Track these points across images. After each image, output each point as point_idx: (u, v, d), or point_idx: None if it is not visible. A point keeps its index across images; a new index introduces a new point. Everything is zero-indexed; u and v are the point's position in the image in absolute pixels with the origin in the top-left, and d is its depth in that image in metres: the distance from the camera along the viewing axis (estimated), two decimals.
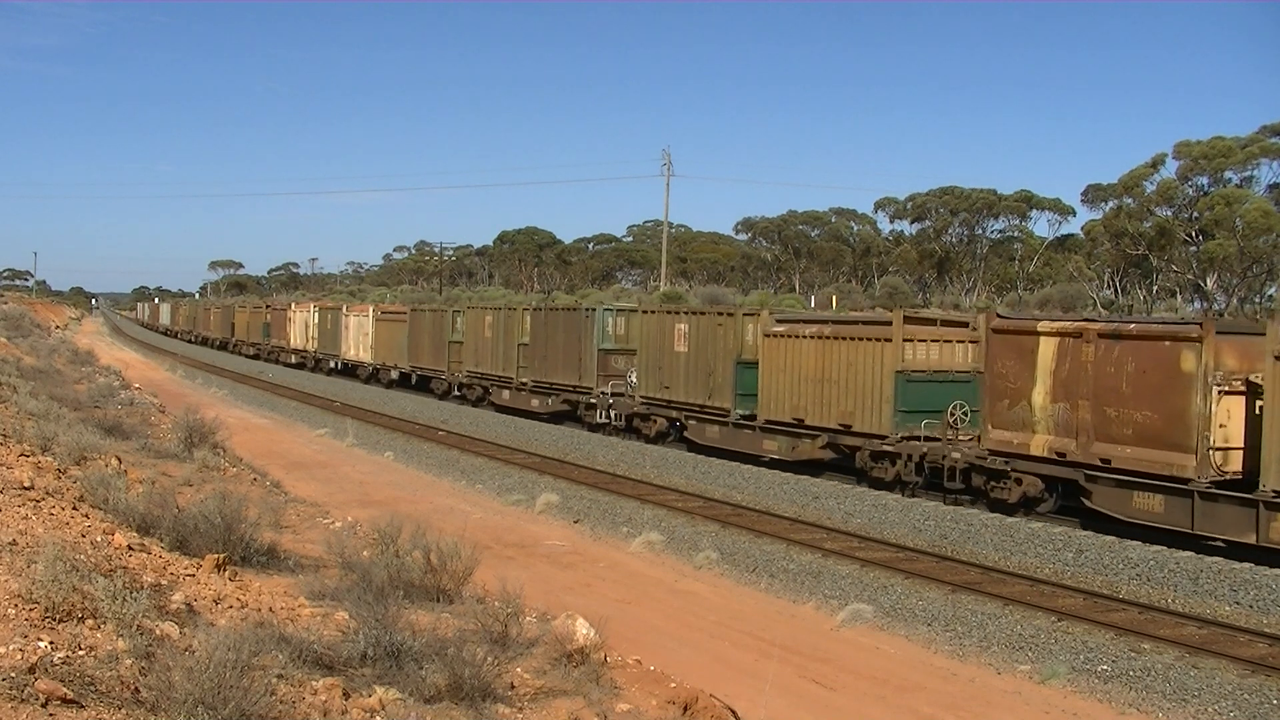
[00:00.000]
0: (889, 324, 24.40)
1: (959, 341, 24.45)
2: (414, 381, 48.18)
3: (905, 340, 23.75)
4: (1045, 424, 20.50)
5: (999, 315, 22.99)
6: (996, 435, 21.27)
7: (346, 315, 56.65)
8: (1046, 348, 20.57)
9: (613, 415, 32.45)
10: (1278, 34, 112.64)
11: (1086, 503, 20.03)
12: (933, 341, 24.15)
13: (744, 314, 29.29)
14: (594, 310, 35.08)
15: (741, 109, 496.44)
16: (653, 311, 33.10)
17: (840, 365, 24.73)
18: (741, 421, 27.88)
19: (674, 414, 30.46)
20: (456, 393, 43.78)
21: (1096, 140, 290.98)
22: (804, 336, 25.94)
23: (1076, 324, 20.92)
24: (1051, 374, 20.41)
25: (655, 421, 31.12)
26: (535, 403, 37.42)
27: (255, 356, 73.05)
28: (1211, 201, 55.22)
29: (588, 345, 34.55)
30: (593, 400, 33.65)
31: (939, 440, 22.59)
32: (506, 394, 39.71)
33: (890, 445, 23.35)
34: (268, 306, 77.77)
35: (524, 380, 38.54)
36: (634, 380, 32.00)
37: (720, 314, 30.03)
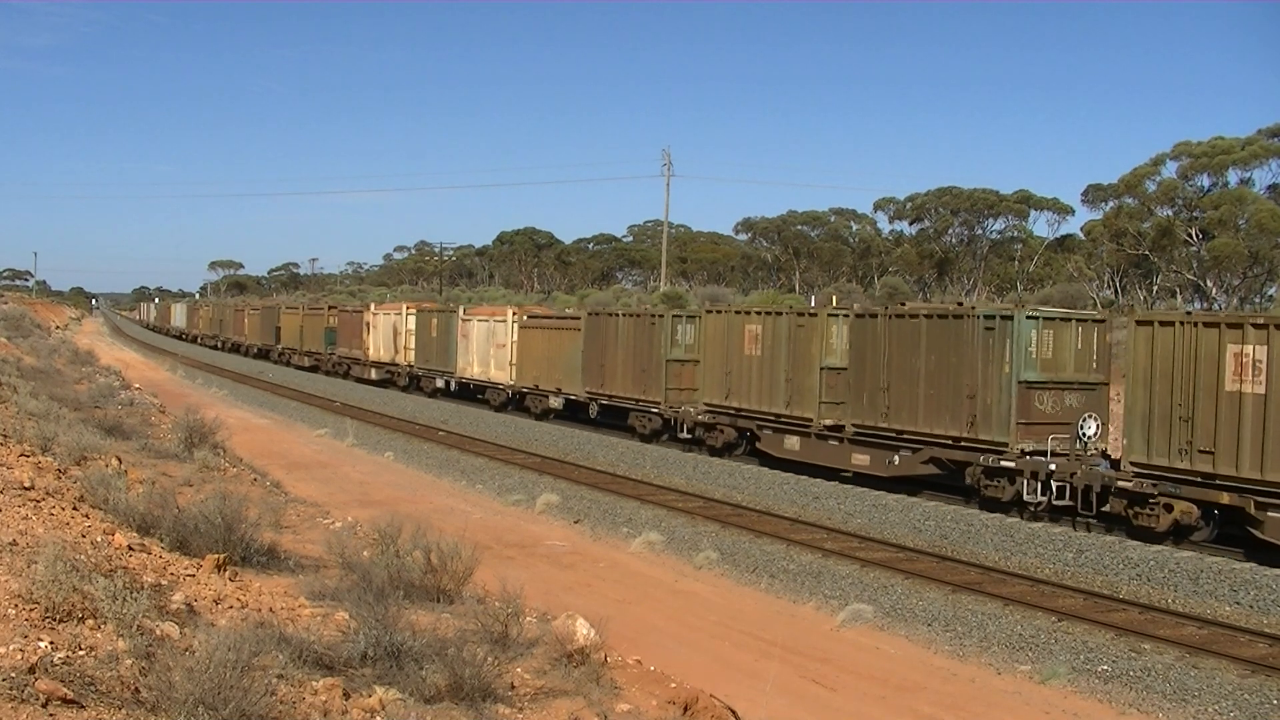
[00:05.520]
0: None
1: None
2: (593, 414, 35.13)
3: None
4: None
5: None
6: None
7: (466, 320, 44.29)
8: None
9: (1054, 488, 20.44)
10: (1278, 34, 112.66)
11: None
12: None
13: None
14: (1006, 318, 21.93)
15: (741, 109, 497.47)
16: (1163, 323, 19.47)
17: None
18: None
19: (1221, 497, 18.17)
20: (684, 434, 30.32)
21: (1096, 140, 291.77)
22: None
23: None
24: None
25: (1170, 508, 18.70)
26: (862, 459, 24.79)
27: (314, 369, 61.90)
28: (1217, 200, 55.21)
29: (993, 375, 21.79)
30: (1005, 463, 21.34)
31: None
32: (794, 442, 26.70)
33: None
34: (331, 308, 64.40)
35: (830, 423, 25.73)
36: (1091, 433, 21.17)
37: None
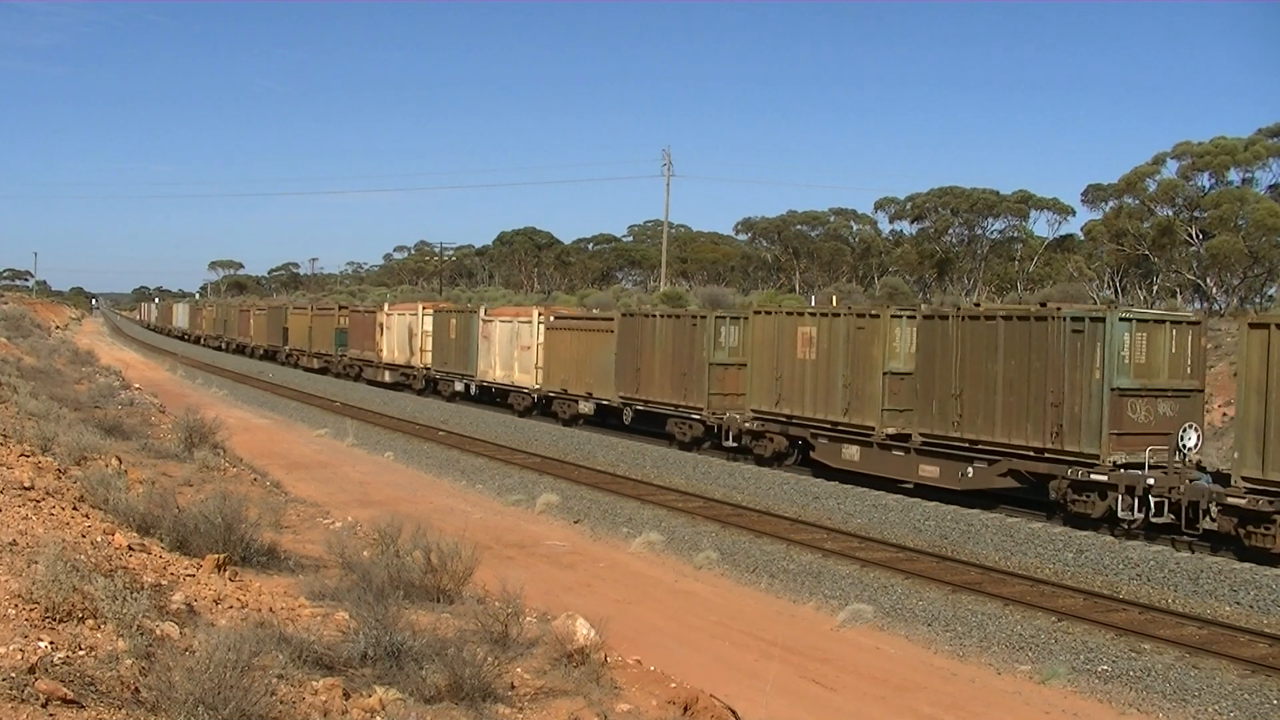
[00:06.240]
0: None
1: None
2: (627, 420, 33.48)
3: None
4: None
5: None
6: None
7: (488, 321, 42.65)
8: None
9: (1152, 504, 18.95)
10: (1278, 34, 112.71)
11: None
12: None
13: None
14: (1096, 320, 20.23)
15: (741, 109, 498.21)
16: None
17: None
18: None
19: None
20: (729, 442, 28.61)
21: (1096, 140, 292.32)
22: None
23: None
24: None
25: None
26: (931, 471, 23.17)
27: (323, 371, 60.83)
28: (1218, 199, 55.20)
29: (1081, 381, 20.07)
30: (1097, 477, 19.67)
31: None
32: (853, 452, 25.00)
33: None
34: (342, 308, 63.24)
35: (894, 431, 24.07)
36: (1191, 444, 19.69)
37: None
